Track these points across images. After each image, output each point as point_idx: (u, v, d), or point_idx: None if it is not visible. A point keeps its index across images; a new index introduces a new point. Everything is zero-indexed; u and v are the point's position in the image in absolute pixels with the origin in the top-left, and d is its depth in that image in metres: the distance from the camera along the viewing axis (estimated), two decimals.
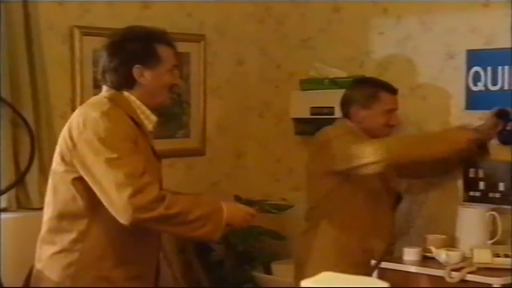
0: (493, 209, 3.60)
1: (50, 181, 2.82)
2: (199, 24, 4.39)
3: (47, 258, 2.78)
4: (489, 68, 3.73)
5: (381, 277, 3.40)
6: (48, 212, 2.80)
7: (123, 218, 2.59)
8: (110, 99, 2.78)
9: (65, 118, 3.81)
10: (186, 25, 4.30)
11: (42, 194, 3.59)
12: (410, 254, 3.57)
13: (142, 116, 2.81)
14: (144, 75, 2.79)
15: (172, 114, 4.27)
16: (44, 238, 2.81)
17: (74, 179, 2.70)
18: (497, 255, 3.37)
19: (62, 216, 2.75)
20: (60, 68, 3.84)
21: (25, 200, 3.59)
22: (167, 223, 2.65)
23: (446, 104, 3.88)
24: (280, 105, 4.47)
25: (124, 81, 2.79)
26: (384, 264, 3.55)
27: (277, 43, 4.55)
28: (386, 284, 1.52)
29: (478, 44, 3.76)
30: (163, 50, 2.83)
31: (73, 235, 2.73)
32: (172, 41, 2.89)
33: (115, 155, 2.62)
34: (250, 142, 4.68)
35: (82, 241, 2.73)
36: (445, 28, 3.88)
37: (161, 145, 3.07)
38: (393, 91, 3.57)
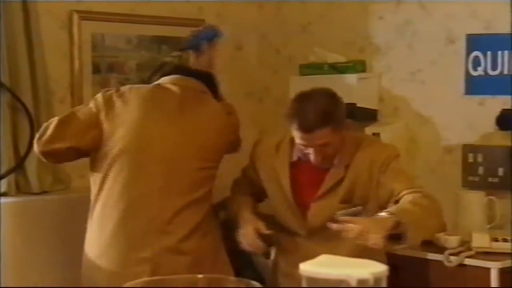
0: (492, 194, 3.61)
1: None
2: (198, 9, 4.36)
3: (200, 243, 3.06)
4: (489, 53, 3.72)
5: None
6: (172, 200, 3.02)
7: None
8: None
9: (64, 103, 3.83)
10: (185, 10, 4.28)
11: (41, 179, 3.60)
12: None
13: None
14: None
15: None
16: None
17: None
18: (496, 240, 3.38)
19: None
20: (58, 52, 3.82)
21: (24, 184, 3.59)
22: None
23: (446, 89, 3.88)
24: (280, 90, 4.46)
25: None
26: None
27: (276, 28, 4.54)
28: (385, 267, 1.52)
29: (478, 28, 3.76)
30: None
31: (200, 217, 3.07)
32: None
33: None
34: (249, 127, 4.67)
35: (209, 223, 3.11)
36: (445, 13, 3.87)
37: None
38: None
